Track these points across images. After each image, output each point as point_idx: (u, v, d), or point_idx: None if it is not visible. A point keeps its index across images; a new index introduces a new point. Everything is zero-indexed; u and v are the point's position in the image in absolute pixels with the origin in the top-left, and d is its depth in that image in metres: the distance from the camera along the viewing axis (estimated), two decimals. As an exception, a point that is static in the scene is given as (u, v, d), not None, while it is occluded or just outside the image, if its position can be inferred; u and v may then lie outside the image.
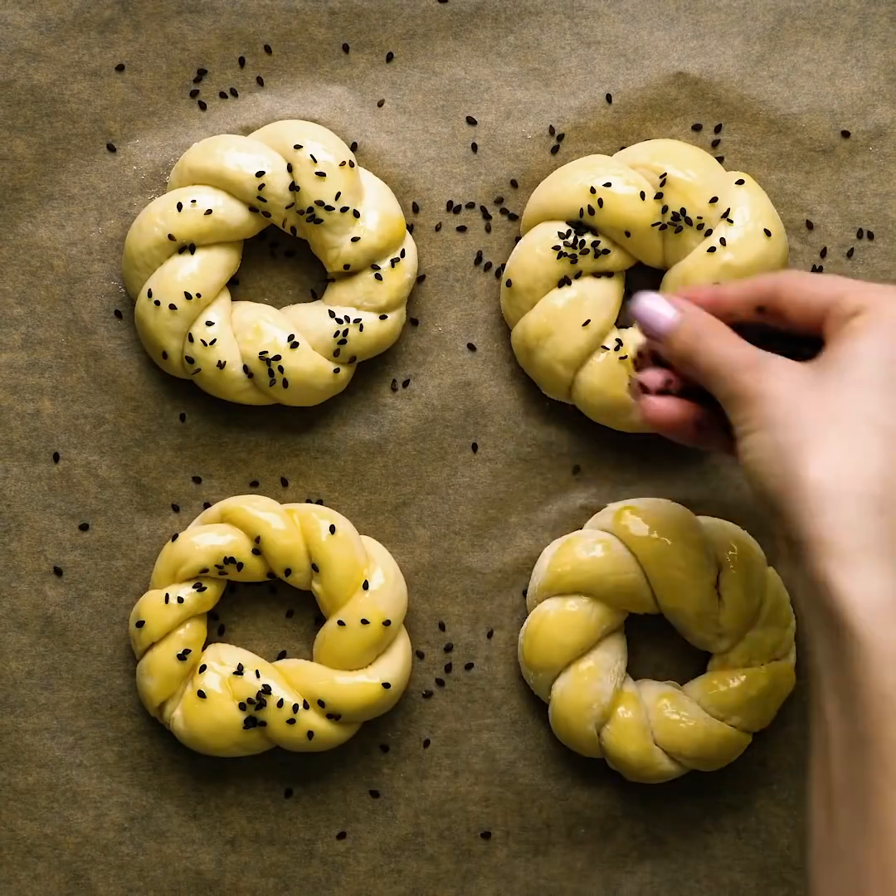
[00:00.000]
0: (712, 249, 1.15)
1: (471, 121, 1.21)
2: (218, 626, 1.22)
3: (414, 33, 1.20)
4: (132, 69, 1.20)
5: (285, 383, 1.17)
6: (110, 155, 1.21)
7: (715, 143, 1.20)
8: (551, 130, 1.20)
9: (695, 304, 1.01)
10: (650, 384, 1.03)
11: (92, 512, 1.21)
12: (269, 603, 1.22)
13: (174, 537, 1.18)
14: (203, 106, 1.21)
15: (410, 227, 1.20)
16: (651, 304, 1.01)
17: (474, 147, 1.21)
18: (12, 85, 1.20)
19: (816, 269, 1.21)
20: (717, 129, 1.20)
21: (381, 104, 1.21)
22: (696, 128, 1.20)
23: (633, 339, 1.15)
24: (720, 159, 1.20)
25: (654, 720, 1.17)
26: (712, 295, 1.01)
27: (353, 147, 1.20)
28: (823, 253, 1.21)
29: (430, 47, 1.20)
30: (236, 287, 1.21)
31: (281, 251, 1.22)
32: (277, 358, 1.16)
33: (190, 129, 1.21)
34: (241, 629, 1.22)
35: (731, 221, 1.15)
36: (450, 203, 1.21)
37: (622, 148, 1.20)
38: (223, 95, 1.21)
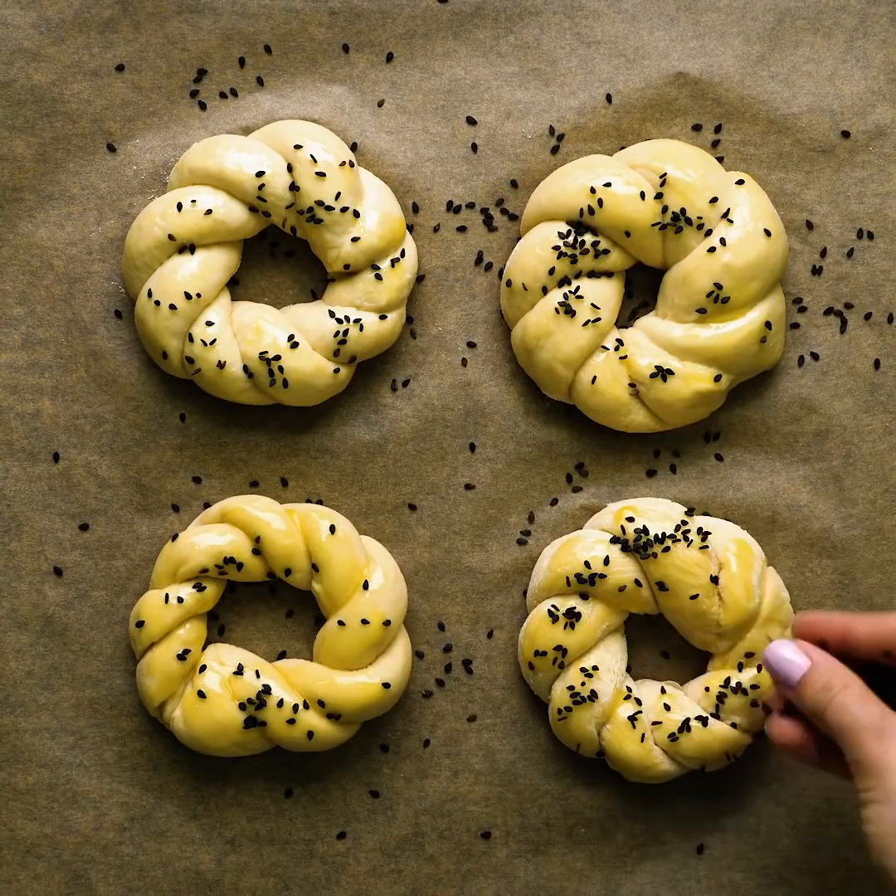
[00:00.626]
0: (712, 249, 1.15)
1: (471, 121, 1.21)
2: (218, 626, 1.22)
3: (414, 33, 1.20)
4: (132, 69, 1.20)
5: (285, 383, 1.17)
6: (110, 155, 1.21)
7: (715, 143, 1.20)
8: (551, 130, 1.20)
9: (824, 633, 0.99)
10: (771, 705, 1.02)
11: (92, 512, 1.21)
12: (269, 603, 1.22)
13: (174, 537, 1.18)
14: (203, 106, 1.21)
15: (410, 227, 1.20)
16: (782, 651, 1.00)
17: (474, 147, 1.21)
18: (12, 85, 1.20)
19: (817, 269, 1.21)
20: (717, 129, 1.20)
21: (381, 104, 1.20)
22: (696, 128, 1.20)
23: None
24: (720, 159, 1.20)
25: (654, 720, 1.17)
26: (843, 628, 0.99)
27: (353, 147, 1.20)
28: (823, 253, 1.21)
29: (430, 47, 1.20)
30: (236, 287, 1.21)
31: (281, 251, 1.22)
32: (277, 358, 1.16)
33: (190, 129, 1.20)
34: (241, 629, 1.22)
35: (731, 221, 1.15)
36: (450, 203, 1.21)
37: (622, 148, 1.20)
38: (223, 95, 1.21)
